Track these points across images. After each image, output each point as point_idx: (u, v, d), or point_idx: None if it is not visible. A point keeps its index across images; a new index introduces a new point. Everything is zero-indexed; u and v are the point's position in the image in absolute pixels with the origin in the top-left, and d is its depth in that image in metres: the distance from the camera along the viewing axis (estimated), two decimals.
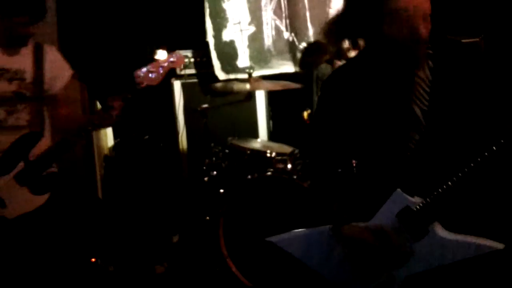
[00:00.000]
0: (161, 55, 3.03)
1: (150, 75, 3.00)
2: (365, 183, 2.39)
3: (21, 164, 3.02)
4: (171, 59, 3.04)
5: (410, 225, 2.20)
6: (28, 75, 3.10)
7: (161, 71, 3.03)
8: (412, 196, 2.21)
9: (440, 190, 2.13)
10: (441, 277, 2.23)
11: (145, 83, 3.02)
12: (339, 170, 2.44)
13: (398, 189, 2.22)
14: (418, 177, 2.25)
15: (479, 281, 2.25)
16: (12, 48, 3.11)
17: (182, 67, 3.08)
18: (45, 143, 3.10)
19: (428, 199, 2.16)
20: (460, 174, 2.08)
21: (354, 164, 2.45)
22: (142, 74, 2.99)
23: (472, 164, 2.06)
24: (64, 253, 3.20)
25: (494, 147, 2.03)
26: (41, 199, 3.07)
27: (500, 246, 2.13)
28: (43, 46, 3.20)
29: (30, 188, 3.04)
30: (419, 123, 2.26)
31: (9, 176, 3.01)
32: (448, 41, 2.33)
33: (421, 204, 2.17)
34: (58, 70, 3.23)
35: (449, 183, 2.11)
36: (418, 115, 2.26)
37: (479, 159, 2.05)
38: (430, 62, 2.26)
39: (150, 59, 3.06)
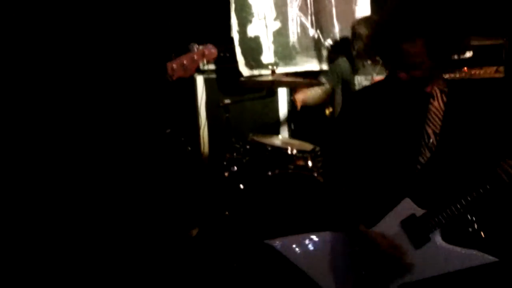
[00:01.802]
0: (193, 47, 3.03)
1: (182, 67, 3.00)
2: (374, 193, 2.44)
3: None
4: (204, 52, 3.03)
5: (413, 231, 2.32)
6: None
7: (193, 64, 3.03)
8: (420, 207, 2.33)
9: (445, 202, 2.27)
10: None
11: (177, 75, 3.02)
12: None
13: (407, 198, 2.35)
14: (425, 190, 2.35)
15: None
16: None
17: (209, 61, 3.05)
18: None
19: (434, 210, 2.29)
20: (465, 196, 2.24)
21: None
22: (174, 66, 2.99)
23: (477, 189, 2.23)
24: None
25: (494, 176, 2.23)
26: None
27: (492, 259, 2.24)
28: None
29: None
30: (430, 142, 2.39)
31: None
32: (461, 82, 2.50)
33: (427, 213, 2.30)
34: None
35: (455, 202, 2.26)
36: (430, 135, 2.40)
37: (483, 186, 2.22)
38: (445, 97, 2.43)
39: (182, 51, 3.05)
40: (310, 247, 2.49)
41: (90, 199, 3.19)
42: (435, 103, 2.42)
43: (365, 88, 2.74)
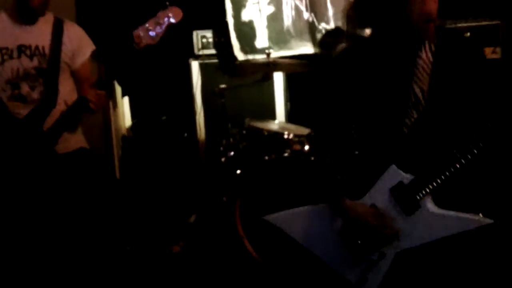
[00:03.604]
0: (157, 13, 2.97)
1: (149, 33, 2.95)
2: (362, 158, 2.43)
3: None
4: (167, 14, 2.96)
5: (402, 199, 2.28)
6: (47, 51, 3.15)
7: (160, 29, 2.97)
8: (406, 173, 2.29)
9: (433, 167, 2.23)
10: (430, 252, 2.30)
11: (144, 43, 2.96)
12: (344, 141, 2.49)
13: (393, 165, 2.31)
14: (412, 154, 2.32)
15: (467, 255, 2.32)
16: (31, 24, 3.16)
17: (175, 23, 2.97)
18: (57, 113, 3.13)
19: (421, 175, 2.25)
20: (453, 154, 2.20)
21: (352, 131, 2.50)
22: (141, 34, 2.95)
23: (465, 145, 2.19)
24: (80, 232, 3.23)
25: (482, 130, 2.17)
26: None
27: (488, 221, 2.22)
28: (64, 21, 3.24)
29: None
30: (418, 102, 2.33)
31: None
32: (450, 31, 2.43)
33: (414, 179, 2.27)
34: (78, 46, 3.28)
35: (442, 161, 2.21)
36: (417, 94, 2.33)
37: (471, 140, 2.18)
38: (433, 47, 2.34)
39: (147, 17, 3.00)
40: (306, 219, 2.50)
41: (86, 185, 3.19)
42: (423, 56, 2.34)
43: (350, 47, 2.58)
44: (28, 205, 3.09)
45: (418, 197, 2.26)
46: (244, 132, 4.03)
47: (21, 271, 3.14)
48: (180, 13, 2.98)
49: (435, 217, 2.26)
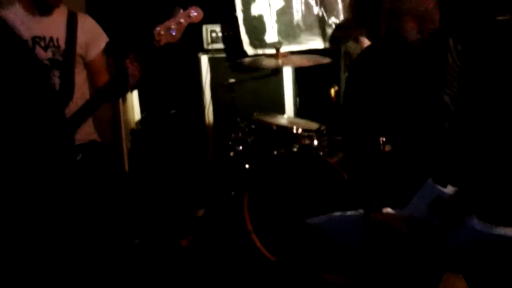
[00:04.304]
0: (177, 11, 3.00)
1: (169, 31, 2.98)
2: (397, 171, 2.35)
3: None
4: (189, 14, 3.00)
5: (442, 215, 2.12)
6: (62, 43, 3.17)
7: (180, 27, 2.99)
8: (445, 186, 2.13)
9: (472, 179, 2.06)
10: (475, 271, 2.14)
11: (164, 41, 2.99)
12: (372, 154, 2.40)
13: (429, 180, 2.16)
14: (449, 165, 2.19)
15: None
16: (46, 15, 3.16)
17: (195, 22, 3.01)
18: (74, 106, 3.14)
19: (460, 189, 2.08)
20: (493, 163, 2.01)
21: (382, 142, 2.41)
22: (161, 32, 2.97)
23: (506, 153, 1.99)
24: (89, 224, 3.24)
25: None
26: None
27: None
28: (77, 14, 3.26)
29: None
30: (448, 111, 2.22)
31: None
32: (479, 21, 2.23)
33: (453, 194, 2.10)
34: (92, 38, 3.29)
35: (482, 172, 2.04)
36: (447, 103, 2.21)
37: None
38: (459, 46, 2.19)
39: (167, 16, 3.02)
40: (344, 223, 2.42)
41: (96, 177, 3.20)
42: (450, 60, 2.19)
43: (369, 48, 2.51)
44: (35, 196, 3.11)
45: (459, 214, 2.08)
46: (252, 126, 4.03)
47: (27, 262, 3.16)
48: (201, 13, 3.01)
49: (482, 234, 2.04)
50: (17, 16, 3.14)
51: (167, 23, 2.97)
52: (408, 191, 2.24)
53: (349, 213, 2.38)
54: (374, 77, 2.33)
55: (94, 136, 3.37)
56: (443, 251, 2.14)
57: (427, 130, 2.25)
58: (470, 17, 2.21)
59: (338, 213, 2.42)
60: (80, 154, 3.17)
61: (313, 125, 3.96)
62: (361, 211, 2.31)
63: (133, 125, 4.92)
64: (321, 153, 3.66)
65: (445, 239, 2.12)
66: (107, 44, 3.37)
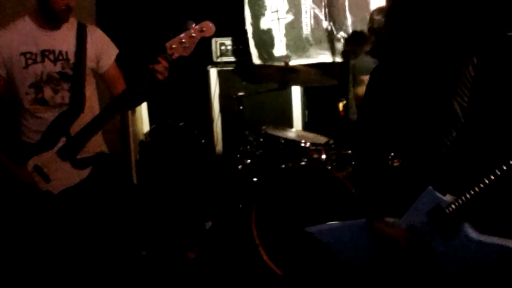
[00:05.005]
0: (190, 25, 3.01)
1: (181, 45, 3.00)
2: (400, 178, 2.37)
3: (63, 139, 3.12)
4: (202, 28, 3.02)
5: (440, 224, 2.16)
6: (71, 56, 3.18)
7: (192, 41, 3.01)
8: (444, 194, 2.16)
9: (472, 190, 2.06)
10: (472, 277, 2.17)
11: (176, 54, 3.01)
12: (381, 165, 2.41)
13: (430, 187, 2.19)
14: (451, 174, 2.19)
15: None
16: (55, 29, 3.18)
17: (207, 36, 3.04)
18: (84, 119, 3.16)
19: (459, 199, 2.10)
20: (493, 175, 2.01)
21: (390, 157, 2.43)
22: (173, 45, 2.99)
23: (506, 166, 1.99)
24: (97, 234, 3.25)
25: None
26: (83, 173, 3.16)
27: None
28: (87, 26, 3.27)
29: (72, 163, 3.12)
30: (457, 119, 2.19)
31: (52, 151, 3.12)
32: (496, 37, 2.20)
33: (452, 203, 2.12)
34: (102, 50, 3.30)
35: (482, 183, 2.03)
36: (457, 111, 2.19)
37: None
38: (475, 59, 2.17)
39: (180, 30, 3.04)
40: (346, 232, 2.44)
41: (105, 188, 3.22)
42: (466, 69, 2.16)
43: (389, 56, 2.47)
44: (45, 207, 3.13)
45: (456, 223, 2.12)
46: (261, 139, 4.03)
47: (37, 274, 3.17)
48: (213, 28, 3.03)
49: (475, 243, 2.10)
50: (26, 29, 3.16)
51: (179, 37, 2.98)
52: (409, 200, 2.25)
53: (349, 222, 2.41)
54: (392, 84, 2.32)
55: (103, 148, 3.39)
56: (434, 265, 2.18)
57: (434, 136, 2.25)
58: (484, 31, 2.21)
59: (337, 222, 2.46)
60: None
61: (322, 139, 3.96)
62: (363, 220, 2.34)
63: (142, 136, 4.94)
64: (329, 167, 3.67)
65: (434, 251, 2.17)
66: (118, 56, 3.38)
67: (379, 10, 4.15)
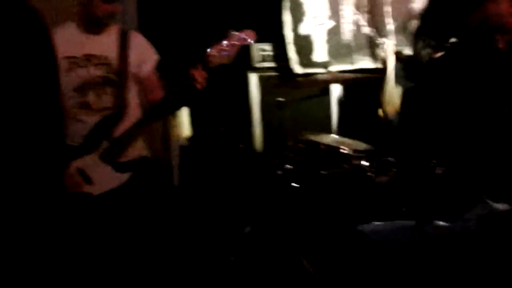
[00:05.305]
0: (231, 33, 3.04)
1: (222, 53, 3.02)
2: (450, 184, 2.35)
3: (105, 143, 3.15)
4: (242, 36, 3.04)
5: (492, 231, 2.15)
6: (114, 61, 3.22)
7: (233, 49, 3.03)
8: (497, 202, 2.17)
9: None
10: None
11: (218, 62, 3.03)
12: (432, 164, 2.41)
13: (483, 195, 2.19)
14: (504, 182, 2.20)
15: None
16: (98, 34, 3.23)
17: (251, 42, 3.06)
18: (127, 123, 3.19)
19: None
20: None
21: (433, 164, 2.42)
22: (214, 53, 3.01)
23: None
24: (137, 239, 3.28)
25: None
26: (123, 177, 3.19)
27: None
28: (128, 32, 3.31)
29: (114, 166, 3.16)
30: (510, 127, 2.21)
31: (94, 154, 3.15)
32: None
33: (504, 211, 2.11)
34: (143, 56, 3.33)
35: None
36: (510, 119, 2.21)
37: None
38: None
39: (221, 37, 3.06)
40: (396, 232, 2.45)
41: (146, 191, 3.25)
42: None
43: (441, 57, 2.48)
44: (85, 209, 3.17)
45: (509, 232, 2.12)
46: (301, 145, 4.03)
47: (82, 274, 3.21)
48: (254, 36, 3.06)
49: None
50: (70, 34, 3.21)
51: (220, 45, 3.01)
52: (459, 206, 2.27)
53: (399, 223, 2.42)
54: (442, 84, 2.32)
55: (145, 152, 3.41)
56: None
57: (486, 144, 2.23)
58: None
59: (388, 222, 2.46)
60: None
61: (362, 146, 3.95)
62: (413, 222, 2.32)
63: (183, 141, 4.97)
64: (370, 174, 3.65)
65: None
66: (159, 63, 3.41)
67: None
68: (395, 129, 4.06)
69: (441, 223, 2.28)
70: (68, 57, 3.17)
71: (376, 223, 2.55)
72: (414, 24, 4.10)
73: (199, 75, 3.02)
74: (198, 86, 3.05)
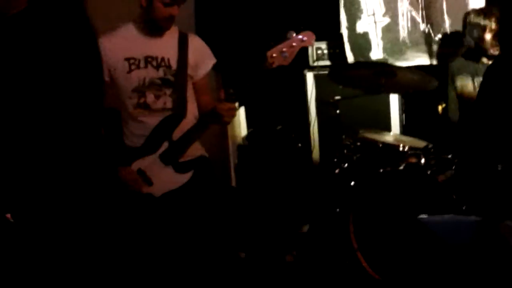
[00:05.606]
0: (291, 34, 3.04)
1: (282, 54, 3.02)
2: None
3: (165, 144, 3.21)
4: (302, 38, 3.03)
5: None
6: (173, 63, 3.26)
7: (292, 51, 3.03)
8: None
9: None
10: None
11: (277, 63, 3.03)
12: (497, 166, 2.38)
13: None
14: None
15: None
16: (158, 36, 3.27)
17: (310, 44, 3.06)
18: (186, 124, 3.23)
19: None
20: None
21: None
22: (274, 54, 3.01)
23: None
24: (195, 238, 3.32)
25: None
26: (184, 177, 3.23)
27: None
28: (188, 35, 3.35)
29: (174, 167, 3.21)
30: None
31: (155, 155, 3.21)
32: None
33: None
34: (201, 59, 3.37)
35: None
36: None
37: None
38: None
39: (280, 39, 3.05)
40: (458, 226, 2.43)
41: (205, 191, 3.28)
42: None
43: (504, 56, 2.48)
44: (147, 210, 3.22)
45: None
46: (358, 143, 4.01)
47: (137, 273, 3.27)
48: (313, 37, 3.05)
49: None
50: (130, 35, 3.27)
51: (280, 46, 3.01)
52: None
53: (460, 217, 2.39)
54: (506, 86, 2.29)
55: (203, 152, 3.45)
56: None
57: None
58: None
59: (450, 216, 2.43)
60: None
61: (420, 143, 3.91)
62: (474, 217, 2.32)
63: (240, 140, 5.01)
64: (429, 172, 3.62)
65: None
66: (218, 64, 3.44)
67: (476, 12, 4.07)
68: (455, 126, 4.01)
69: (509, 222, 2.25)
70: (128, 59, 3.23)
71: (438, 216, 2.51)
72: (470, 20, 4.04)
73: (225, 111, 3.06)
74: (225, 119, 3.09)
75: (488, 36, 3.91)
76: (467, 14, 4.11)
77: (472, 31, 4.00)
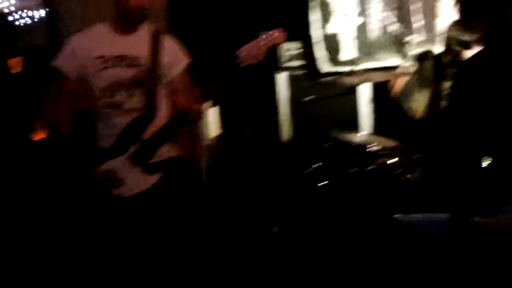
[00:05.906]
0: (260, 33, 3.03)
1: (251, 54, 3.01)
2: (491, 176, 2.34)
3: (136, 145, 3.17)
4: (273, 36, 3.03)
5: None
6: (145, 62, 3.21)
7: (263, 50, 3.02)
8: None
9: None
10: None
11: (247, 62, 3.02)
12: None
13: None
14: None
15: None
16: (130, 33, 3.23)
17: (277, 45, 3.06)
18: (158, 125, 3.19)
19: None
20: None
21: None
22: (244, 53, 3.01)
23: None
24: (167, 238, 3.29)
25: None
26: (152, 179, 3.20)
27: None
28: (161, 33, 3.30)
29: (143, 168, 3.17)
30: None
31: (125, 156, 3.17)
32: None
33: None
34: (174, 58, 3.31)
35: None
36: None
37: None
38: None
39: (250, 38, 3.05)
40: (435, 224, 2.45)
41: (175, 190, 3.26)
42: None
43: (477, 54, 2.52)
44: (116, 211, 3.20)
45: None
46: (329, 144, 4.03)
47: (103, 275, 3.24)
48: (284, 35, 3.04)
49: None
50: (102, 34, 3.23)
51: (250, 45, 3.00)
52: (499, 200, 2.25)
53: (435, 215, 2.40)
54: (481, 83, 2.30)
55: (174, 153, 3.40)
56: None
57: None
58: None
59: (425, 214, 2.45)
60: None
61: (391, 143, 3.93)
62: (448, 215, 2.35)
63: (212, 140, 4.99)
64: (399, 171, 3.63)
65: None
66: (190, 64, 3.41)
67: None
68: (425, 126, 4.03)
69: (479, 218, 2.26)
70: (100, 57, 3.18)
71: (413, 215, 2.53)
72: (444, 20, 4.06)
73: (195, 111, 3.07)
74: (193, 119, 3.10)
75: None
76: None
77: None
